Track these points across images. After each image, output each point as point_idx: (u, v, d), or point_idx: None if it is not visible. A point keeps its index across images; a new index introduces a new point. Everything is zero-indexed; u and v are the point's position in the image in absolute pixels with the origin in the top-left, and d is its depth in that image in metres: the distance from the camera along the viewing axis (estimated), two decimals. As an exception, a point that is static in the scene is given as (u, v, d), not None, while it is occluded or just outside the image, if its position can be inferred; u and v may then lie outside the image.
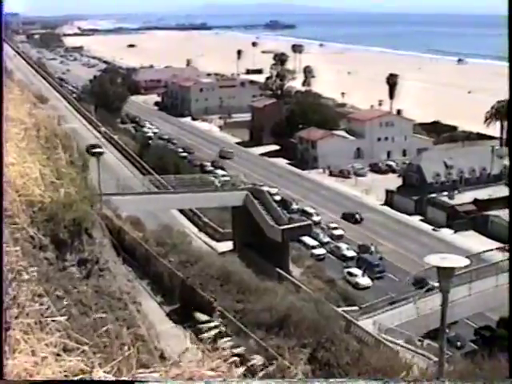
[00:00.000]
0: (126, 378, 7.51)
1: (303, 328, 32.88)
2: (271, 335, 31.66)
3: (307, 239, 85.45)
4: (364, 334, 43.80)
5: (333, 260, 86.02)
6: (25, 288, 8.65)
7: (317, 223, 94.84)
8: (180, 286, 34.31)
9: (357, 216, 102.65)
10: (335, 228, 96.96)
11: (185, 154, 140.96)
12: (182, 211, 78.04)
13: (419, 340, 49.12)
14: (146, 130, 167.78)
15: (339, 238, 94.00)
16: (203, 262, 38.90)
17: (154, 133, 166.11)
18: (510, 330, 43.48)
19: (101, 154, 48.97)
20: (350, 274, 78.79)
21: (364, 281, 77.44)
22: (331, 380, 9.06)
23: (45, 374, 7.10)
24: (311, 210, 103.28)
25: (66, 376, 7.26)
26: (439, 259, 13.83)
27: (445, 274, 13.73)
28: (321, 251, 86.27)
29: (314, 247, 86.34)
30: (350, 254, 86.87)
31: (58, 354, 7.42)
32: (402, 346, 43.80)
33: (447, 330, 60.13)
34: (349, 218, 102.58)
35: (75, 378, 7.26)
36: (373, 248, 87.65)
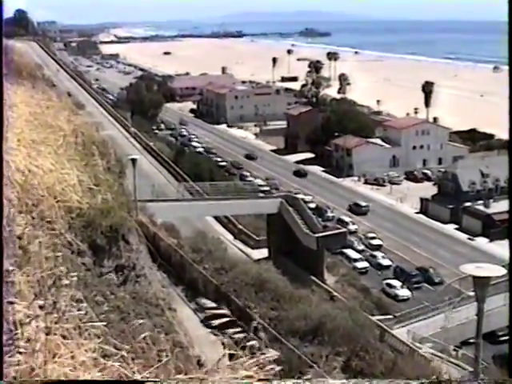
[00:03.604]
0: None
1: (337, 336, 32.75)
2: (305, 343, 31.55)
3: (349, 252, 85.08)
4: (398, 343, 43.55)
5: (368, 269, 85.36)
6: (64, 293, 8.70)
7: (353, 232, 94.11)
8: (215, 293, 34.29)
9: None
10: (373, 238, 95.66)
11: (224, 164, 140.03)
12: (216, 218, 78.09)
13: (454, 349, 48.74)
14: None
15: (377, 248, 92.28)
16: (238, 269, 38.73)
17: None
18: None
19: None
20: (389, 285, 77.83)
21: (403, 292, 76.40)
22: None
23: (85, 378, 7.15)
24: (347, 219, 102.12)
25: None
26: (475, 268, 13.71)
27: (480, 283, 13.60)
28: (363, 264, 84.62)
29: (356, 260, 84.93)
30: (386, 262, 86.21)
31: (97, 359, 7.46)
32: (436, 356, 43.47)
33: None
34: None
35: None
36: (431, 270, 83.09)
